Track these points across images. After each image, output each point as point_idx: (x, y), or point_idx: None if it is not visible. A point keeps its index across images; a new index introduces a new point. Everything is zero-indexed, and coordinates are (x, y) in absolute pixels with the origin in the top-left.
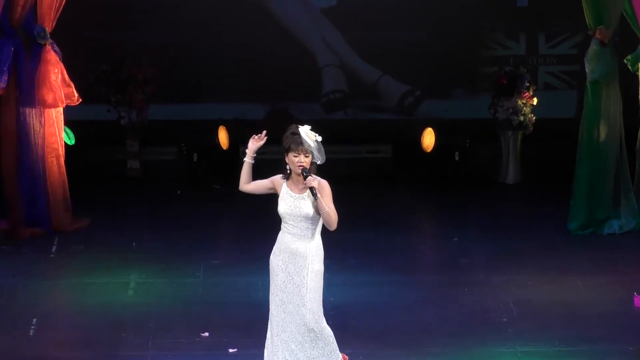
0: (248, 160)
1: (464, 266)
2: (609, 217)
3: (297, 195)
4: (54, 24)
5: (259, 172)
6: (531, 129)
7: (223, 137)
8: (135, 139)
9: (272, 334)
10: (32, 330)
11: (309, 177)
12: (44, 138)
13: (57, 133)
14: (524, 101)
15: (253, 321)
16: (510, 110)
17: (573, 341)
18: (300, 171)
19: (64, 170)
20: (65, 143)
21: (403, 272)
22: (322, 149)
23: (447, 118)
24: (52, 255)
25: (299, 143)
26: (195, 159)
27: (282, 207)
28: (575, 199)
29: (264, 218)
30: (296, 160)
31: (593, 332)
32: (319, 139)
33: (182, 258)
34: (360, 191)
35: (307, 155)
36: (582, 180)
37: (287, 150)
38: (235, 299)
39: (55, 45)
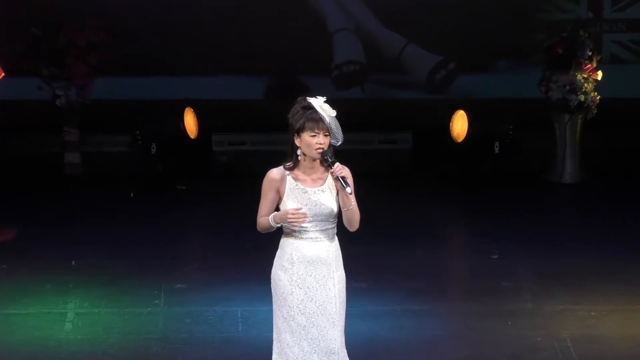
0: (273, 224)
1: (507, 291)
2: None
3: (313, 189)
4: None
5: (253, 166)
6: (594, 111)
7: (190, 122)
8: (75, 125)
9: None
10: None
11: (337, 163)
12: None
13: None
14: (585, 75)
15: None
16: (567, 87)
17: None
18: (320, 156)
19: None
20: None
21: (426, 299)
22: (339, 126)
23: (485, 97)
24: None
25: (317, 119)
26: (153, 151)
27: (295, 207)
28: None
29: (241, 228)
30: (314, 142)
31: None
32: (334, 113)
33: (137, 281)
34: (371, 193)
35: (326, 134)
36: None
37: (300, 130)
38: (206, 334)
39: None
